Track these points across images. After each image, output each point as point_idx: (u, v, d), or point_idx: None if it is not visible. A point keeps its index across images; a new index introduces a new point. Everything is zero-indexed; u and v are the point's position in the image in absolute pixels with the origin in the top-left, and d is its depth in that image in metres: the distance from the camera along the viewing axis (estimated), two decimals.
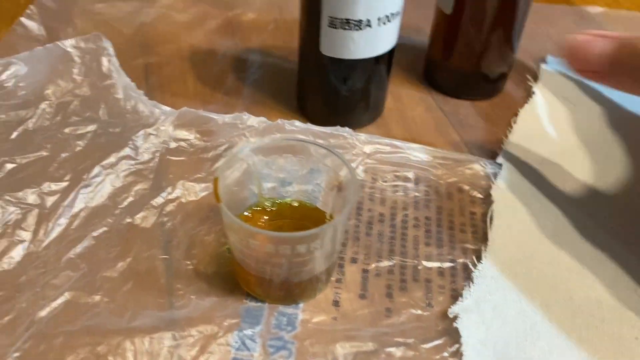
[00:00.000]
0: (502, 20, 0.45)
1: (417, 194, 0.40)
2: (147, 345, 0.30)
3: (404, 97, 0.50)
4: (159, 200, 0.38)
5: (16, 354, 0.29)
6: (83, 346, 0.30)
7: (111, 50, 0.44)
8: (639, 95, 0.33)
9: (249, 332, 0.31)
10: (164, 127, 0.40)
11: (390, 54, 0.43)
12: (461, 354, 0.31)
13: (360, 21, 0.39)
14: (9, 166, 0.37)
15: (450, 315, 0.33)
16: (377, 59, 0.42)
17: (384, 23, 0.40)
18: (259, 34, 0.56)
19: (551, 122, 0.47)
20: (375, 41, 0.41)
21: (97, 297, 0.32)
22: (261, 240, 0.29)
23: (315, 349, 0.31)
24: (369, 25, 0.39)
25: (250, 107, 0.47)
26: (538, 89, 0.51)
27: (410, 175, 0.41)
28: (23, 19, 0.50)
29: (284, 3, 0.61)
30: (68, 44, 0.43)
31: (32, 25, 0.49)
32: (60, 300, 0.32)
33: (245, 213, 0.35)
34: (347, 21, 0.39)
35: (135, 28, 0.53)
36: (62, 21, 0.51)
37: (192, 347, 0.30)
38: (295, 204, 0.36)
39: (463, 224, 0.39)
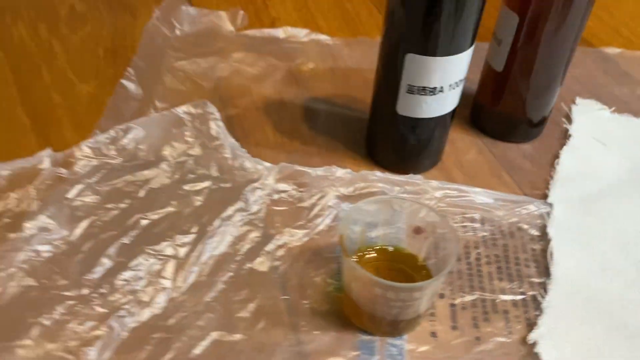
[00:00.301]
0: (548, 72, 0.52)
1: (484, 233, 0.47)
2: None
3: (457, 140, 0.56)
4: (270, 246, 0.44)
5: None
6: None
7: (217, 114, 0.50)
8: None
9: None
10: (268, 181, 0.47)
11: (454, 109, 0.50)
12: None
13: (434, 88, 0.45)
14: (144, 222, 0.43)
15: (530, 342, 0.39)
16: (444, 115, 0.49)
17: (454, 88, 0.46)
18: (320, 83, 0.62)
19: (588, 163, 0.54)
20: (445, 103, 0.47)
21: (238, 336, 0.39)
22: (385, 288, 0.36)
23: None
24: (442, 91, 0.46)
25: (326, 155, 0.53)
26: (573, 131, 0.58)
27: (477, 216, 0.48)
28: (124, 81, 0.56)
29: (337, 52, 0.67)
30: (180, 110, 0.49)
31: (131, 86, 0.55)
32: (208, 340, 0.38)
33: (354, 258, 0.41)
34: (424, 88, 0.45)
35: (214, 82, 0.59)
36: (153, 79, 0.57)
37: None
38: (391, 249, 0.43)
39: (527, 260, 0.45)
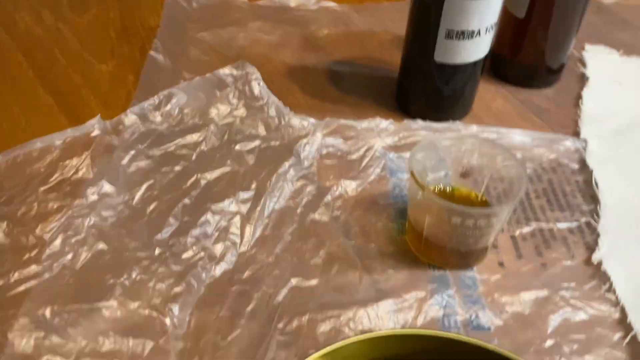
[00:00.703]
0: (566, 19, 0.54)
1: (528, 170, 0.48)
2: (376, 312, 0.37)
3: (481, 90, 0.57)
4: (328, 197, 0.44)
5: (277, 334, 0.35)
6: (328, 318, 0.36)
7: (258, 74, 0.50)
8: None
9: (447, 293, 0.39)
10: (315, 137, 0.47)
11: (486, 56, 0.51)
12: (614, 290, 0.39)
13: (473, 31, 0.46)
14: (203, 182, 0.43)
15: (594, 262, 0.41)
16: (476, 62, 0.50)
17: (488, 31, 0.48)
18: (336, 47, 0.63)
19: (610, 101, 0.56)
20: (480, 47, 0.48)
21: (315, 281, 0.39)
22: (464, 216, 0.36)
23: (504, 299, 0.38)
24: (479, 35, 0.47)
25: (358, 113, 0.53)
26: (590, 74, 0.60)
27: (518, 155, 0.49)
28: (152, 53, 0.55)
29: (347, 18, 0.67)
30: (222, 72, 0.49)
31: (159, 57, 0.54)
32: (288, 287, 0.38)
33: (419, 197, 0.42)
34: (462, 32, 0.46)
35: (236, 52, 0.58)
36: (178, 51, 0.56)
37: (410, 310, 0.37)
38: (449, 189, 0.44)
39: (573, 191, 0.47)
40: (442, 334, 0.33)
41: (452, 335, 0.33)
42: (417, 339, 0.32)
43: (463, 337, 0.32)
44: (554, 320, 0.37)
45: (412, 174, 0.38)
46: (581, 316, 0.38)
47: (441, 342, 0.32)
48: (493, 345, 0.32)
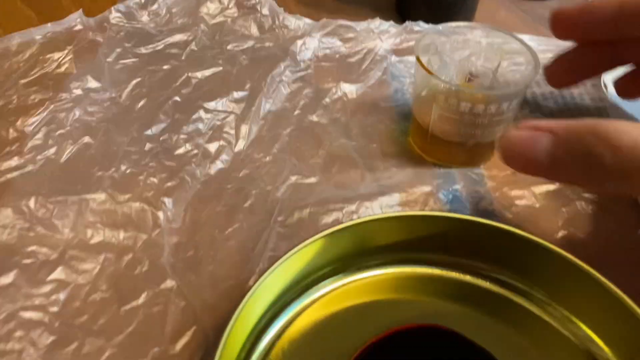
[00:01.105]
0: None
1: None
2: (380, 204, 0.35)
3: (483, 2, 0.55)
4: (327, 100, 0.42)
5: (277, 226, 0.33)
6: (330, 211, 0.34)
7: None
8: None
9: (453, 188, 0.37)
10: (312, 38, 0.44)
11: None
12: None
13: None
14: (194, 80, 0.40)
15: None
16: None
17: None
18: None
19: None
20: None
21: (314, 179, 0.37)
22: (473, 101, 0.34)
23: (514, 193, 0.37)
24: None
25: (357, 21, 0.51)
26: None
27: (523, 59, 0.47)
28: None
29: None
30: None
31: None
32: (287, 183, 0.36)
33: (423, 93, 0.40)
34: None
35: None
36: None
37: (415, 204, 0.36)
38: (454, 88, 0.41)
39: (581, 94, 0.45)
40: (463, 217, 0.31)
41: (471, 217, 0.31)
42: (435, 220, 0.31)
43: (482, 220, 0.30)
44: (567, 213, 0.36)
45: (418, 59, 0.36)
46: (595, 209, 0.36)
47: (459, 224, 0.30)
48: (514, 228, 0.30)
